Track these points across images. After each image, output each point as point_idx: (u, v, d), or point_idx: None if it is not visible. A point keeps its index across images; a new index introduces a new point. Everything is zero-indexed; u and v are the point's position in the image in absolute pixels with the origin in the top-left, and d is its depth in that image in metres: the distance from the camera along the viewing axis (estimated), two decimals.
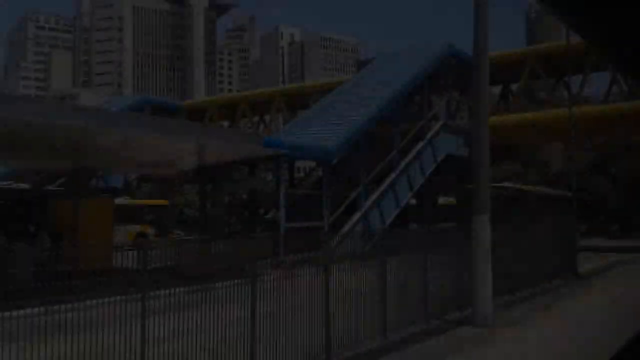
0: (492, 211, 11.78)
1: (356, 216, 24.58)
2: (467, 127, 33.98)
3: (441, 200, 38.39)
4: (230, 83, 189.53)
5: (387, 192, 26.53)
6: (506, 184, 34.93)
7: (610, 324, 11.54)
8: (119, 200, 26.15)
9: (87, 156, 18.91)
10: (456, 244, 12.71)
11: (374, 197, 25.66)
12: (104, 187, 27.69)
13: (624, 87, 32.87)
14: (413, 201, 31.41)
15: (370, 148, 26.38)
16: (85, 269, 7.23)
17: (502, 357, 9.37)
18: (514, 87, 39.49)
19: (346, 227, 23.26)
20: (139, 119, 19.96)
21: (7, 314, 5.99)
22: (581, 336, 10.78)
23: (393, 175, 26.85)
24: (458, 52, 32.82)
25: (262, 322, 7.70)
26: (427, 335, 10.57)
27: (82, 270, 7.16)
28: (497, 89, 39.72)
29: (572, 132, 22.09)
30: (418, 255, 11.58)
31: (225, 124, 51.56)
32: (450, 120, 33.07)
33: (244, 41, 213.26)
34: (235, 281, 7.77)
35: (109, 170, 28.23)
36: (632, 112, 30.32)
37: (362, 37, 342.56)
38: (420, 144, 28.97)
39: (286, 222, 21.53)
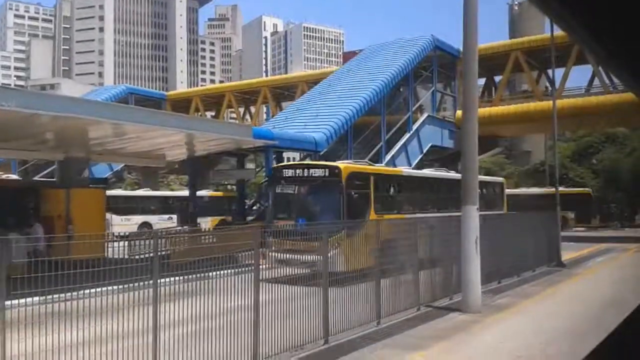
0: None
1: None
2: (452, 119, 34.54)
3: None
4: (212, 73, 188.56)
5: None
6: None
7: (591, 307, 12.11)
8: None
9: (78, 147, 18.99)
10: (448, 233, 13.13)
11: None
12: (90, 177, 27.71)
13: (605, 80, 33.49)
14: None
15: (357, 138, 26.72)
16: (78, 258, 7.40)
17: (489, 342, 9.75)
18: (497, 79, 40.06)
19: None
20: (130, 109, 20.01)
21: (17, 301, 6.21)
22: (564, 318, 11.25)
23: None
24: (442, 45, 33.26)
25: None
26: (419, 321, 10.95)
27: (76, 260, 7.33)
28: (481, 81, 40.24)
29: (554, 126, 22.58)
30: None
31: (209, 114, 51.55)
32: (435, 111, 33.54)
33: (226, 31, 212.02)
34: (233, 270, 8.07)
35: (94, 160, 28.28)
36: (611, 105, 30.95)
37: (345, 29, 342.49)
38: (407, 135, 29.38)
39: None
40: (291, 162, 20.52)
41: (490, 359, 8.83)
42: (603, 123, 40.89)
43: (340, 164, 16.86)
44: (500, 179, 27.89)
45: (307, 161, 19.77)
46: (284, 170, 17.11)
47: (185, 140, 20.86)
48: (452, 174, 21.86)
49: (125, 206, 34.58)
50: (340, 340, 9.17)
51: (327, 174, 15.99)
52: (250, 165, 33.50)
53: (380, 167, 19.13)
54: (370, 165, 18.98)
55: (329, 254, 9.79)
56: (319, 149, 23.49)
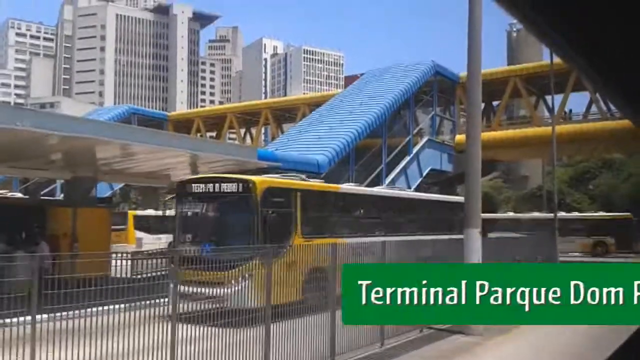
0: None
1: None
2: (451, 142, 35.01)
3: None
4: (212, 94, 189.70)
5: None
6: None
7: (593, 327, 12.30)
8: None
9: (87, 166, 19.30)
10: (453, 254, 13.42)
11: None
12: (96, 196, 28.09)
13: (603, 107, 34.06)
14: None
15: (358, 161, 27.10)
16: (83, 277, 7.64)
17: None
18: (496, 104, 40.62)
19: None
20: (140, 131, 20.38)
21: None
22: (567, 338, 11.47)
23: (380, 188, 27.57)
24: (443, 70, 33.85)
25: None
26: (422, 343, 11.20)
27: (83, 278, 7.58)
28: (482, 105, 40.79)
29: (553, 151, 23.00)
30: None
31: (209, 135, 51.97)
32: (435, 135, 34.01)
33: (226, 52, 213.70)
34: None
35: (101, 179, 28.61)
36: (609, 131, 31.48)
37: (345, 52, 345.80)
38: (407, 159, 29.78)
39: None
40: (200, 176, 17.70)
41: None
42: (600, 149, 41.38)
43: (257, 177, 14.19)
44: (462, 199, 25.38)
45: (219, 174, 16.25)
46: (191, 184, 14.70)
47: (191, 161, 21.23)
48: (409, 193, 20.76)
49: (156, 225, 35.12)
50: None
51: (239, 189, 13.59)
52: None
53: (310, 183, 16.06)
54: (302, 180, 16.14)
55: (235, 288, 8.89)
56: (321, 171, 23.84)
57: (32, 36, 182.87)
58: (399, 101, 29.49)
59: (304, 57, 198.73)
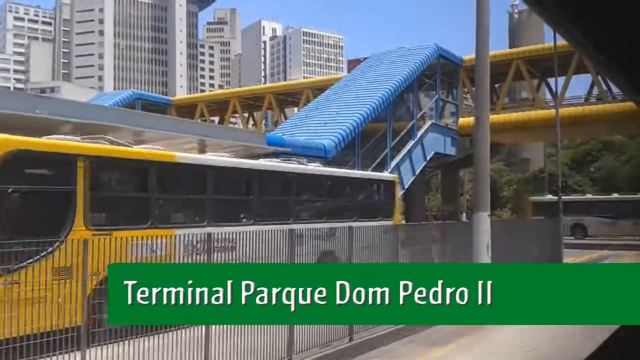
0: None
1: None
2: (454, 126, 35.30)
3: None
4: (211, 77, 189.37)
5: None
6: None
7: None
8: None
9: None
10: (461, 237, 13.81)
11: None
12: None
13: (604, 89, 34.33)
14: None
15: (364, 145, 27.41)
16: None
17: (508, 336, 10.41)
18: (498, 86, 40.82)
19: None
20: (154, 117, 20.63)
21: None
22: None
23: (385, 173, 27.89)
24: (446, 53, 34.04)
25: None
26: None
27: None
28: None
29: (558, 134, 23.31)
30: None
31: (212, 119, 52.19)
32: (438, 119, 34.27)
33: (224, 35, 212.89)
34: None
35: None
36: (610, 113, 31.81)
37: (344, 35, 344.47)
38: (411, 143, 30.08)
39: None
40: None
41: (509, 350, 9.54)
42: (601, 131, 41.72)
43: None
44: (390, 177, 19.83)
45: None
46: None
47: (199, 147, 21.54)
48: (304, 167, 15.48)
49: None
50: None
51: None
52: None
53: (109, 147, 10.77)
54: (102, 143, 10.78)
55: None
56: (328, 156, 24.16)
57: (30, 20, 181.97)
58: (404, 85, 29.73)
59: (304, 40, 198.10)
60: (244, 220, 12.99)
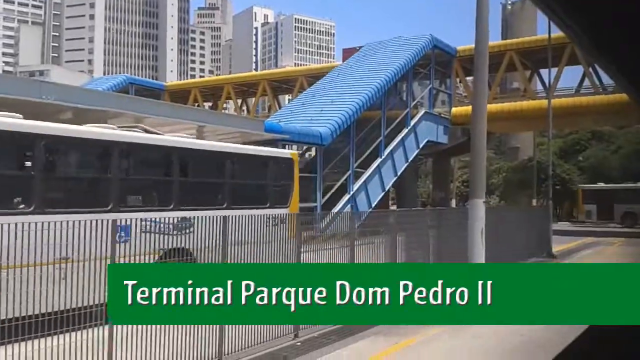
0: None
1: (346, 198, 26.14)
2: (447, 115, 35.79)
3: None
4: (202, 62, 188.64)
5: (374, 175, 28.07)
6: None
7: None
8: None
9: None
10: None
11: (361, 180, 27.17)
12: None
13: (595, 81, 34.90)
14: None
15: (358, 133, 27.82)
16: None
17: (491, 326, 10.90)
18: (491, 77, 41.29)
19: (337, 208, 24.84)
20: (154, 104, 20.88)
21: None
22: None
23: (379, 160, 28.36)
24: (440, 44, 34.45)
25: None
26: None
27: None
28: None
29: (549, 124, 23.82)
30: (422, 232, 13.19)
31: (206, 105, 52.34)
32: (431, 108, 34.73)
33: (215, 20, 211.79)
34: None
35: None
36: (601, 105, 32.39)
37: (337, 22, 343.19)
38: (405, 131, 30.52)
39: None
40: None
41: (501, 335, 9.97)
42: (592, 122, 42.36)
43: None
44: (286, 153, 15.70)
45: None
46: None
47: (198, 134, 21.86)
48: (159, 137, 11.95)
49: None
50: None
51: None
52: None
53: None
54: None
55: None
56: (324, 143, 24.58)
57: (20, 3, 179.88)
58: (399, 74, 30.12)
59: (295, 27, 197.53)
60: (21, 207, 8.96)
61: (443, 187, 43.91)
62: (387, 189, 29.92)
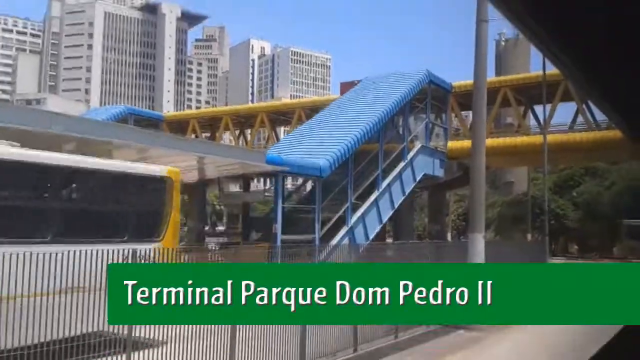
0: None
1: (343, 230, 26.30)
2: (443, 149, 36.19)
3: None
4: (199, 93, 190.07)
5: (371, 208, 28.28)
6: None
7: None
8: None
9: None
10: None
11: (359, 212, 27.36)
12: None
13: (589, 117, 35.51)
14: None
15: (356, 166, 28.12)
16: None
17: (504, 351, 11.10)
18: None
19: (335, 240, 24.98)
20: (157, 135, 21.18)
21: None
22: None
23: (377, 193, 28.61)
24: (436, 79, 35.03)
25: None
26: (434, 336, 12.28)
27: None
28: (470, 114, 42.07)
29: (545, 159, 24.20)
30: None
31: (203, 136, 52.68)
32: (428, 142, 35.13)
33: (213, 51, 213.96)
34: None
35: None
36: (594, 141, 32.96)
37: (332, 54, 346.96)
38: (401, 164, 30.84)
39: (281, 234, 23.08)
40: None
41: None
42: (584, 158, 42.92)
43: None
44: (158, 170, 12.23)
45: None
46: None
47: (199, 165, 22.11)
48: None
49: None
50: None
51: None
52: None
53: None
54: None
55: None
56: (323, 175, 24.84)
57: (18, 32, 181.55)
58: (396, 108, 30.56)
59: (292, 59, 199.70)
60: None
61: (439, 220, 44.16)
62: (384, 222, 30.11)
